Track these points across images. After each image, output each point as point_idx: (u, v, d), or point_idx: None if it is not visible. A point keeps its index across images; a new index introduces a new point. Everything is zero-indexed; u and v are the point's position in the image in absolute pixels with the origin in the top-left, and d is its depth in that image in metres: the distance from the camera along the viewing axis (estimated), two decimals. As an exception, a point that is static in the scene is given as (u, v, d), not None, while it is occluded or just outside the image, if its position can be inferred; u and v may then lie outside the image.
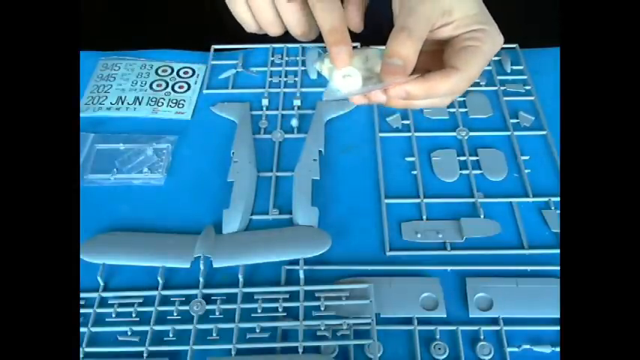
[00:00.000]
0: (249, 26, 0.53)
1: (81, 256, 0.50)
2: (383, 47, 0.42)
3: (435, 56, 0.44)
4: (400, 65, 0.40)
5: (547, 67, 0.67)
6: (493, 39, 0.43)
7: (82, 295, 0.48)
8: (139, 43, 0.71)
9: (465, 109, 0.63)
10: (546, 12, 0.78)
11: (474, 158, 0.58)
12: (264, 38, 0.70)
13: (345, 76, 0.41)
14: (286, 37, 0.71)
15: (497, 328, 0.46)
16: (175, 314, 0.47)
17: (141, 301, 0.48)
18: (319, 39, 0.70)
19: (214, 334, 0.46)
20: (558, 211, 0.53)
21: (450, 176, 0.57)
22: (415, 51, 0.40)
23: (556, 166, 0.57)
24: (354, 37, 0.69)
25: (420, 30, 0.40)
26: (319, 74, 0.66)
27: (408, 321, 0.47)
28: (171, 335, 0.46)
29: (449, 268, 0.50)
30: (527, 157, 0.58)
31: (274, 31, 0.52)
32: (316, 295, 0.47)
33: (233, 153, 0.58)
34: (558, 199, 0.54)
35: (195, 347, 0.45)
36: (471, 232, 0.52)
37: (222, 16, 0.83)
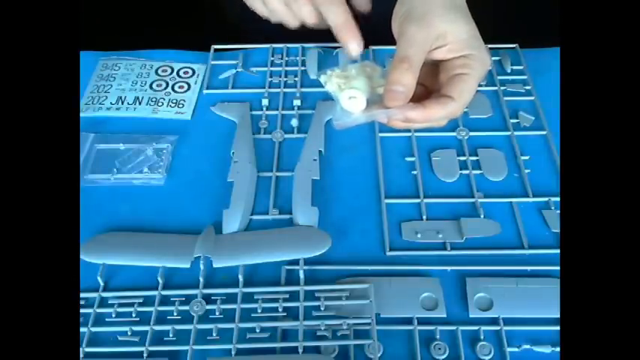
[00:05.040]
0: (271, 20, 0.57)
1: (81, 256, 0.50)
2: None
3: (429, 70, 0.47)
4: (402, 92, 0.43)
5: (547, 67, 0.67)
6: (482, 63, 0.46)
7: (82, 295, 0.48)
8: (139, 43, 0.71)
9: (465, 109, 0.62)
10: (546, 12, 0.78)
11: (474, 158, 0.58)
12: (264, 38, 0.70)
13: (350, 97, 0.44)
14: (286, 37, 0.71)
15: (497, 328, 0.46)
16: (175, 314, 0.47)
17: (141, 301, 0.48)
18: (318, 39, 0.71)
19: (214, 334, 0.46)
20: (558, 211, 0.53)
21: (450, 176, 0.57)
22: (414, 78, 0.44)
23: (556, 166, 0.57)
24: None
25: (418, 59, 0.44)
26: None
27: (408, 321, 0.47)
28: (171, 335, 0.46)
29: (449, 268, 0.50)
30: (527, 157, 0.58)
31: (292, 24, 0.55)
32: (316, 295, 0.47)
33: (233, 153, 0.58)
34: (558, 199, 0.54)
35: (195, 347, 0.45)
36: (471, 232, 0.52)
37: (222, 15, 0.84)
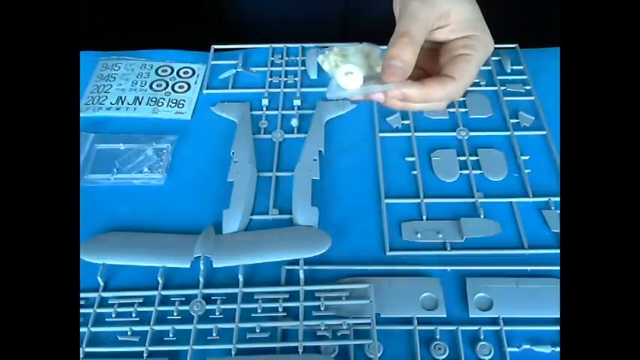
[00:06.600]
0: None
1: (81, 256, 0.50)
2: (382, 45, 0.43)
3: (429, 54, 0.45)
4: (401, 67, 0.42)
5: (547, 67, 0.67)
6: (485, 46, 0.45)
7: (82, 295, 0.48)
8: (139, 43, 0.71)
9: (465, 109, 0.63)
10: (546, 12, 0.78)
11: (474, 158, 0.58)
12: (264, 38, 0.70)
13: (347, 73, 0.43)
14: (285, 37, 0.71)
15: (497, 328, 0.46)
16: (175, 314, 0.47)
17: (141, 301, 0.48)
18: (317, 39, 0.71)
19: (214, 334, 0.46)
20: (558, 211, 0.53)
21: (450, 176, 0.57)
22: (415, 54, 0.42)
23: (556, 166, 0.57)
24: (349, 37, 0.69)
25: (419, 35, 0.42)
26: (319, 74, 0.66)
27: (408, 321, 0.47)
28: (171, 335, 0.46)
29: (449, 268, 0.50)
30: (527, 157, 0.58)
31: None
32: (316, 295, 0.47)
33: (233, 153, 0.58)
34: (558, 199, 0.54)
35: (195, 347, 0.45)
36: (471, 232, 0.52)
37: (222, 15, 0.84)
